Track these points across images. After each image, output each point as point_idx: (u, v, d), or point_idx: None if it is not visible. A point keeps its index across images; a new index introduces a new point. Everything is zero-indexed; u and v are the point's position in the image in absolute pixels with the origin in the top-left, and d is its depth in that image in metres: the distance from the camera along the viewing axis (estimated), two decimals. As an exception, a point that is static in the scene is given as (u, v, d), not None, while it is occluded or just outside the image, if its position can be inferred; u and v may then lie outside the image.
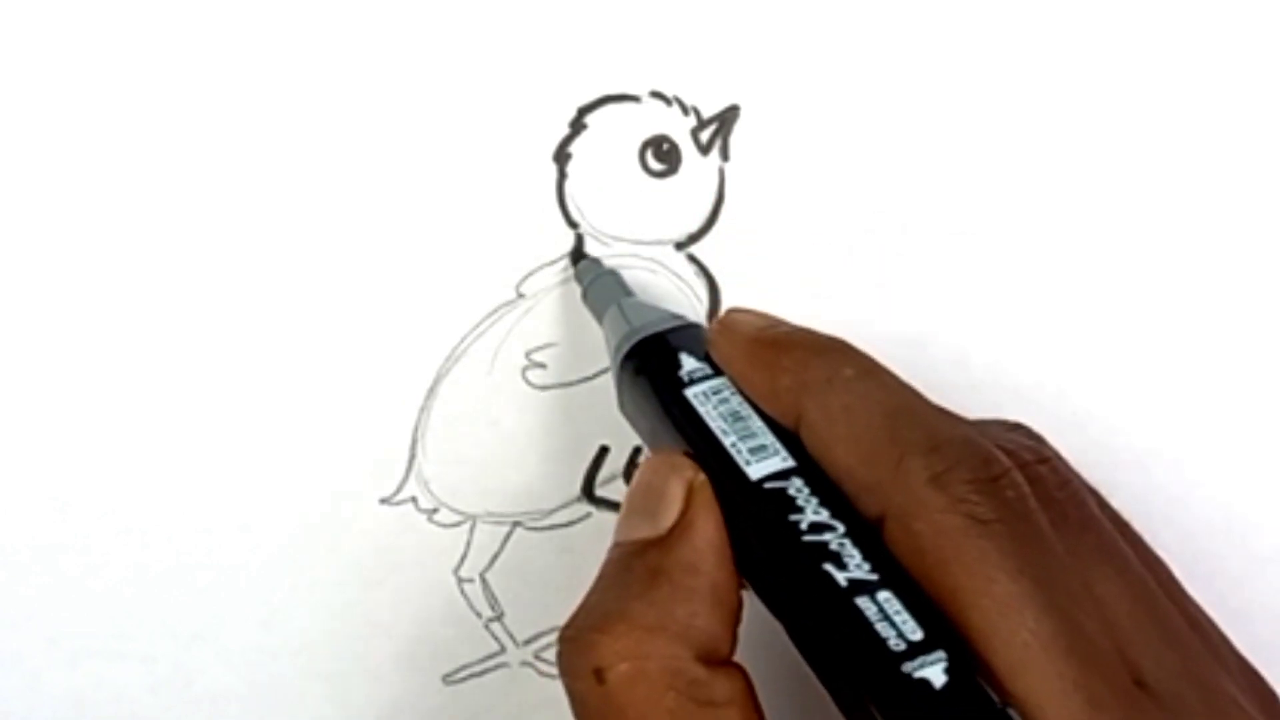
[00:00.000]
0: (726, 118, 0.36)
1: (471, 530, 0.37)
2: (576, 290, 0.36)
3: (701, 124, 0.36)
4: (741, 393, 0.31)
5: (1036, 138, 0.37)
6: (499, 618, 0.37)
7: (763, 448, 0.30)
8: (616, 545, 0.30)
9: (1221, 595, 0.31)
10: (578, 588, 0.31)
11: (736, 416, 0.30)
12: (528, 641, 0.37)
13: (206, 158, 0.36)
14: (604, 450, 0.37)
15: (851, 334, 0.36)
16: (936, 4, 0.36)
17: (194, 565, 0.36)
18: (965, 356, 0.37)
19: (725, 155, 0.36)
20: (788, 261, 0.36)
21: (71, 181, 0.36)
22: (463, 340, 0.36)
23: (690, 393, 0.31)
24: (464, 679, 0.37)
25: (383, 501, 0.36)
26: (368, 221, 0.36)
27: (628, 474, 0.37)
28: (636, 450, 0.36)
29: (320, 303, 0.36)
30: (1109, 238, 0.37)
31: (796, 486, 0.29)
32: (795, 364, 0.30)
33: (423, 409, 0.36)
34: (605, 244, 0.36)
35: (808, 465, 0.29)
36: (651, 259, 0.36)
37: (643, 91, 0.36)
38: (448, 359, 0.36)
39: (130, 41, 0.35)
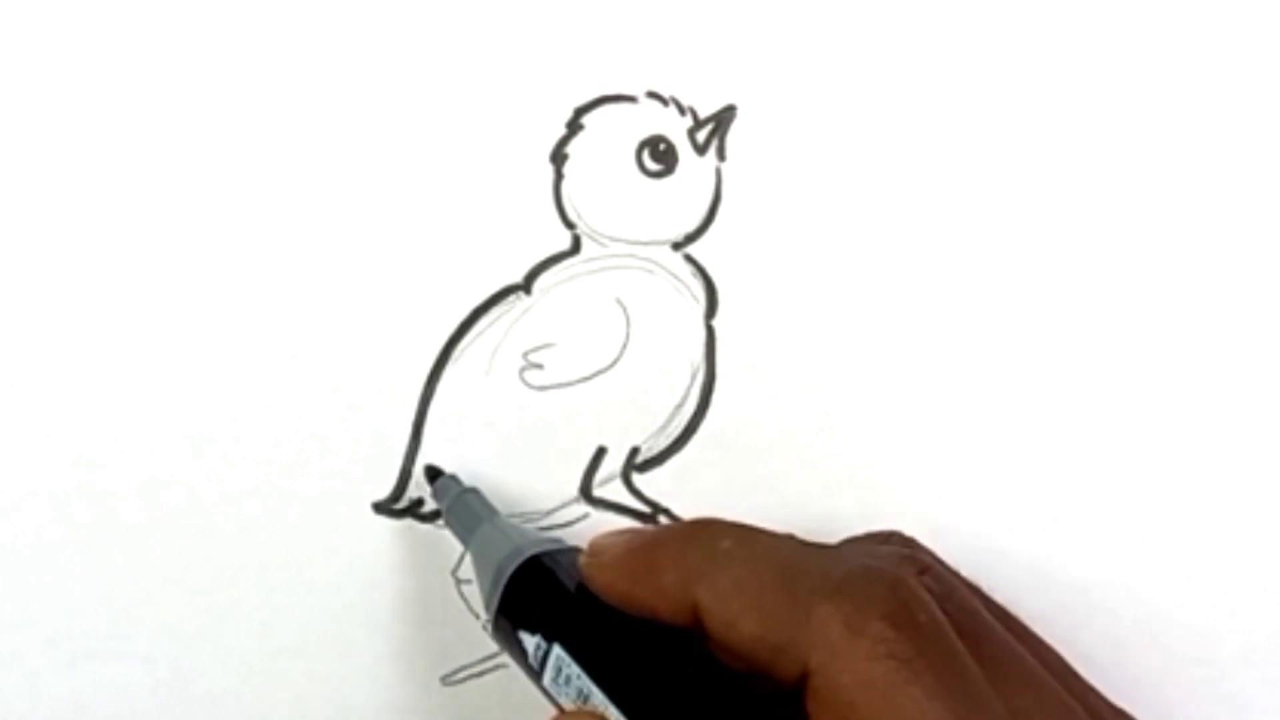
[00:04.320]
0: (723, 118, 0.36)
1: (469, 531, 0.37)
2: (575, 290, 0.36)
3: (698, 124, 0.36)
4: (580, 661, 0.30)
5: (1034, 137, 0.36)
6: (497, 618, 0.37)
7: None
8: None
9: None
10: (573, 588, 0.31)
11: (583, 696, 0.30)
12: (525, 642, 0.37)
13: (206, 165, 0.36)
14: (601, 451, 0.36)
15: (849, 333, 0.36)
16: (933, 4, 0.36)
17: (194, 565, 0.36)
18: (964, 355, 0.37)
19: (722, 155, 0.36)
20: (785, 261, 0.36)
21: (65, 177, 0.36)
22: (460, 341, 0.36)
23: (545, 682, 0.31)
24: (462, 680, 0.37)
25: (381, 502, 0.37)
26: (365, 223, 0.36)
27: (625, 474, 0.37)
28: (634, 450, 0.36)
29: (318, 305, 0.36)
30: (1108, 237, 0.37)
31: None
32: (672, 558, 0.30)
33: (421, 410, 0.36)
34: (602, 244, 0.36)
35: None
36: (648, 259, 0.36)
37: (639, 92, 0.36)
38: (445, 360, 0.36)
39: (129, 40, 0.36)
